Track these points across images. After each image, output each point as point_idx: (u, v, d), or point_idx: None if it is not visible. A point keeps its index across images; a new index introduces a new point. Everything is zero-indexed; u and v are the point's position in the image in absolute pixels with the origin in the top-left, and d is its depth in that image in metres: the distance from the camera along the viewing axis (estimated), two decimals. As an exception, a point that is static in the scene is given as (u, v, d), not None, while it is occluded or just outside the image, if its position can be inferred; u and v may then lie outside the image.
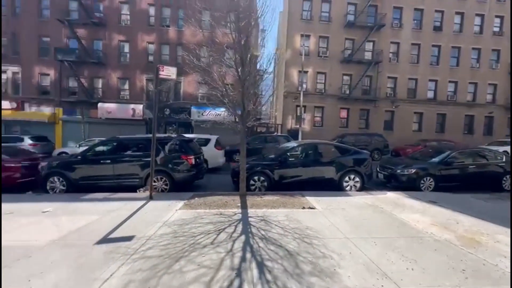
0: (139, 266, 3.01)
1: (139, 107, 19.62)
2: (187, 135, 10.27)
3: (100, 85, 20.85)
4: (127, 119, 19.49)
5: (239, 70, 6.20)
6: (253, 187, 7.35)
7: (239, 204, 5.67)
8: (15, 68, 20.08)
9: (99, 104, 19.45)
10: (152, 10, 20.67)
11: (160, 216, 4.84)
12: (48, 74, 20.36)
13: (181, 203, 5.71)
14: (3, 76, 20.09)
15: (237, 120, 6.59)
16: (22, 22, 19.84)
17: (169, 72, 6.38)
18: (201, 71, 7.08)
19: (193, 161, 7.41)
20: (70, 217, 4.82)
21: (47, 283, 2.68)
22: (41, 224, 4.49)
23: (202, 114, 19.78)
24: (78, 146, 15.31)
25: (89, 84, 20.52)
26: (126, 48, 20.83)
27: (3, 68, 19.79)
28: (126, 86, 20.93)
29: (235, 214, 5.05)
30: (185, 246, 3.52)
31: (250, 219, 4.77)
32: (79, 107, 19.51)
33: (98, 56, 20.36)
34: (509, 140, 15.59)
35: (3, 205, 5.50)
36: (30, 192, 7.14)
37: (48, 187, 7.09)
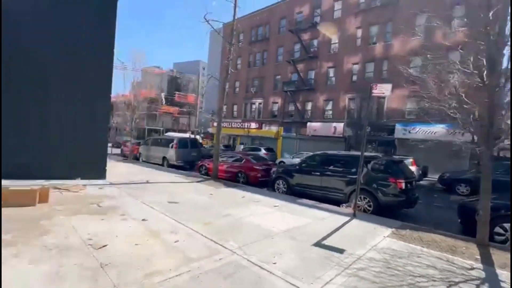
0: (354, 283, 3.04)
1: (340, 125, 20.83)
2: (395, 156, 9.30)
3: (309, 107, 24.73)
4: (328, 136, 21.41)
5: (484, 74, 4.69)
6: (498, 237, 5.09)
7: (478, 257, 4.12)
8: (260, 100, 29.07)
9: (308, 124, 23.09)
10: (359, 32, 21.42)
11: (366, 238, 4.67)
12: (277, 102, 27.45)
13: (388, 231, 5.17)
14: (253, 106, 29.85)
15: (476, 140, 4.95)
16: (266, 68, 28.50)
17: (382, 89, 6.15)
18: (420, 82, 6.16)
19: (403, 186, 6.52)
20: (291, 215, 5.98)
21: (284, 263, 3.44)
22: (274, 214, 5.96)
23: (409, 131, 17.19)
24: (292, 157, 19.03)
25: (301, 107, 25.04)
26: (332, 73, 23.14)
27: (255, 100, 29.50)
28: (330, 107, 23.13)
29: (473, 268, 3.71)
30: (403, 284, 3.08)
31: (502, 284, 3.29)
32: (294, 126, 24.52)
33: (310, 84, 24.35)
34: None
35: (254, 195, 7.99)
36: (265, 188, 9.82)
37: (275, 187, 9.34)
